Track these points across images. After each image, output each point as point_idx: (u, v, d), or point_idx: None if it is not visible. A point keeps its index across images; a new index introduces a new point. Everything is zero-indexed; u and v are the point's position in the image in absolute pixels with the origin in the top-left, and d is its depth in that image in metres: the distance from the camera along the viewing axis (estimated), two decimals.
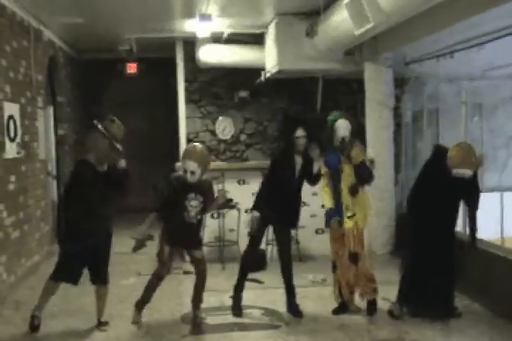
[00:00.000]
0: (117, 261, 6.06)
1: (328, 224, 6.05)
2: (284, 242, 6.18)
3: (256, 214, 5.99)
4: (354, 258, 5.94)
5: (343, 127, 5.94)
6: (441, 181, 5.68)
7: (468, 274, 5.83)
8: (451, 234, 5.92)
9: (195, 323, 5.81)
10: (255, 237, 6.14)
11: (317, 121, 6.08)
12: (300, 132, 5.92)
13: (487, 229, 6.06)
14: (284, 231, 6.18)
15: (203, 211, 5.84)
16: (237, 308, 6.17)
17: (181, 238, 5.73)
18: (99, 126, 5.53)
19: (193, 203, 5.70)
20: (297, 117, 6.25)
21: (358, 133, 6.43)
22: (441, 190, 5.71)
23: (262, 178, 6.34)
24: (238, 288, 6.22)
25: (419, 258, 5.87)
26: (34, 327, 5.59)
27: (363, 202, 6.01)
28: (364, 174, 5.90)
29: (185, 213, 5.68)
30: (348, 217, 5.87)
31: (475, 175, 5.70)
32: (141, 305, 5.88)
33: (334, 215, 5.96)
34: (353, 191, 5.89)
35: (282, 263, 6.16)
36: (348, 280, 6.01)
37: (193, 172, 5.56)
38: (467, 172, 5.57)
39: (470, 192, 5.75)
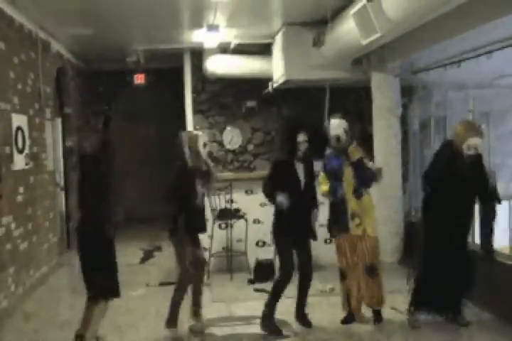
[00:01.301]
0: (126, 272, 6.04)
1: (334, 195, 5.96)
2: (306, 253, 5.97)
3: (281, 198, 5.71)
4: (372, 270, 5.83)
5: (335, 125, 5.84)
6: (453, 179, 5.50)
7: (477, 283, 5.78)
8: (466, 235, 5.79)
9: (195, 330, 5.78)
10: (286, 252, 5.87)
11: (319, 127, 6.03)
12: (302, 137, 5.77)
13: (495, 238, 6.00)
14: (304, 242, 5.98)
15: (205, 193, 6.01)
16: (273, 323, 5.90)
17: (195, 224, 5.76)
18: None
19: (198, 188, 5.77)
20: (299, 121, 6.13)
21: (363, 139, 6.40)
22: (453, 188, 5.53)
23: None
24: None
25: (432, 261, 5.74)
26: None
27: (368, 206, 5.92)
28: (363, 173, 5.78)
29: (196, 198, 5.75)
30: (357, 226, 5.84)
31: (485, 178, 5.59)
32: (171, 322, 5.73)
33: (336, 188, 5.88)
34: (358, 194, 5.85)
35: (303, 273, 5.93)
36: (360, 291, 5.92)
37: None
38: (477, 142, 5.44)
39: (482, 186, 5.60)
